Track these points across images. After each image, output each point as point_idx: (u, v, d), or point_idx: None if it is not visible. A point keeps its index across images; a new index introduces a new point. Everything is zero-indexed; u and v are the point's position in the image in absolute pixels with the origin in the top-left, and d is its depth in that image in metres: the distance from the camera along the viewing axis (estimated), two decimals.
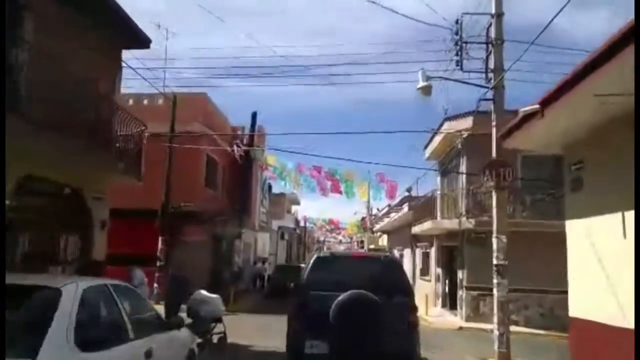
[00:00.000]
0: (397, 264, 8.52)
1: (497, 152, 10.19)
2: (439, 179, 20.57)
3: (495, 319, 9.72)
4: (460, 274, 16.50)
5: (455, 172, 16.72)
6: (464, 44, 9.78)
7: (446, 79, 10.03)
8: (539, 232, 14.68)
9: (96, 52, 9.71)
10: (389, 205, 37.88)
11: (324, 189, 19.75)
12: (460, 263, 16.47)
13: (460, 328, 14.99)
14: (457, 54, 9.81)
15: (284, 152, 19.29)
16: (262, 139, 21.68)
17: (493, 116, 9.96)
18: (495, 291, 9.76)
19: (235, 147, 18.09)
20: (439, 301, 19.77)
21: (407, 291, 7.48)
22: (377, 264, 8.01)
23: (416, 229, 19.77)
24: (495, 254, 9.77)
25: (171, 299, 10.54)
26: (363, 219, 47.64)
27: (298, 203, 54.80)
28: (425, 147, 20.74)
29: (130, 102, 18.79)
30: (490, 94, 10.33)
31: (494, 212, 9.96)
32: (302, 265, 31.51)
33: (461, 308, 16.29)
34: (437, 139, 17.84)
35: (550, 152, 8.77)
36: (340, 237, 70.08)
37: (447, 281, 19.16)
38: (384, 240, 41.30)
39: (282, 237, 42.78)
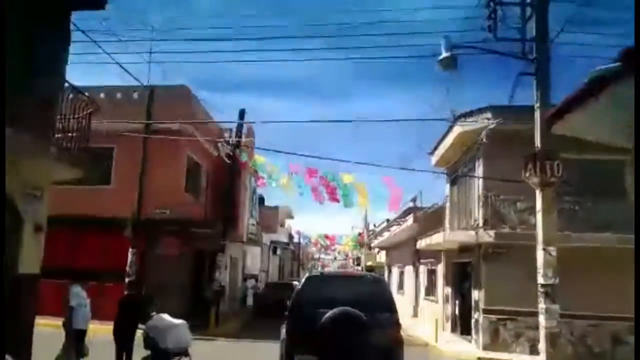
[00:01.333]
0: (382, 283, 9.28)
1: (533, 145, 8.09)
2: (448, 187, 18.46)
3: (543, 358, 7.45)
4: (475, 295, 14.31)
5: (470, 176, 14.62)
6: (498, 4, 7.76)
7: (476, 47, 7.97)
8: (573, 247, 12.55)
9: (32, 13, 7.62)
10: (388, 220, 35.74)
11: (319, 195, 17.60)
12: (476, 282, 14.29)
13: (479, 359, 12.75)
14: (489, 17, 7.78)
15: (274, 154, 17.27)
16: (251, 142, 19.56)
17: (536, 96, 7.88)
18: (541, 320, 7.54)
19: (220, 145, 15.91)
20: (448, 324, 17.51)
21: (391, 308, 7.89)
22: (363, 283, 8.87)
23: (422, 244, 17.62)
24: (541, 271, 7.60)
25: (119, 325, 8.29)
26: (360, 234, 45.41)
27: (292, 217, 52.56)
28: (433, 152, 18.68)
29: (102, 95, 16.72)
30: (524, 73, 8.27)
31: (538, 217, 7.81)
32: (295, 282, 29.27)
33: (477, 334, 14.05)
34: (448, 141, 15.78)
35: (616, 142, 6.62)
36: (335, 254, 67.60)
37: (457, 302, 16.94)
38: (382, 257, 39.03)
39: (275, 252, 40.42)
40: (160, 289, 15.56)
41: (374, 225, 44.42)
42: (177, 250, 15.97)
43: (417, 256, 23.34)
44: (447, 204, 17.60)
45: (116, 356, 8.28)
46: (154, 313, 8.76)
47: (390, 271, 34.24)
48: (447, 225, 17.12)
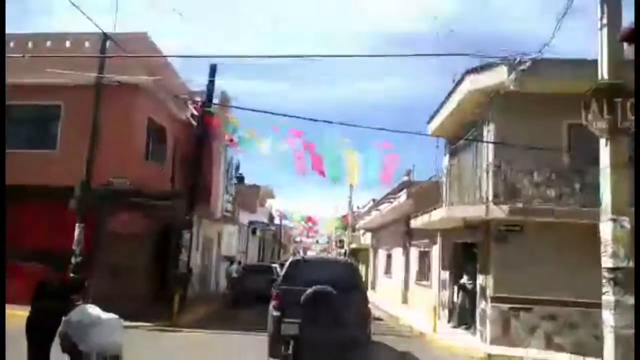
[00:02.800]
0: (352, 266, 10.90)
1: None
2: (446, 159, 16.41)
3: None
4: (481, 280, 12.36)
5: (481, 141, 12.53)
6: None
7: None
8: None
9: None
10: (374, 200, 33.79)
11: (302, 165, 15.39)
12: (483, 265, 12.32)
13: (489, 356, 10.81)
14: None
15: (254, 121, 14.90)
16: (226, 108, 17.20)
17: (600, 8, 5.73)
18: (607, 317, 5.44)
19: (187, 105, 13.53)
20: (444, 313, 15.61)
21: (360, 287, 9.80)
22: (337, 266, 11.37)
23: (418, 222, 15.61)
24: (607, 250, 5.47)
25: (34, 317, 6.08)
26: (344, 216, 43.43)
27: (273, 197, 50.28)
28: (431, 119, 16.58)
29: (48, 43, 14.25)
30: None
31: (604, 175, 5.67)
32: (275, 265, 27.16)
33: (483, 325, 12.13)
34: (452, 103, 13.66)
35: None
36: (317, 238, 65.67)
37: (456, 288, 15.02)
38: (367, 240, 37.15)
39: (254, 233, 38.22)
40: (114, 271, 13.34)
41: (357, 208, 42.46)
42: (136, 226, 13.70)
43: (408, 237, 21.39)
44: (446, 178, 15.54)
45: (28, 358, 6.12)
46: (80, 302, 6.58)
47: (376, 254, 32.39)
48: (445, 201, 15.09)
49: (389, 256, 27.17)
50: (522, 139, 11.56)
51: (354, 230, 41.65)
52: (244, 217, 34.50)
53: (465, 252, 14.96)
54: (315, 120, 12.42)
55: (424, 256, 19.23)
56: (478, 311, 12.59)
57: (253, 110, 11.99)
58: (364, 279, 30.52)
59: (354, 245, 38.78)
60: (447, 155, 16.42)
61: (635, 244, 5.42)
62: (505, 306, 11.64)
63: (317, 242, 77.77)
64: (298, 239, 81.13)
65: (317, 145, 13.88)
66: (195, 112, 15.50)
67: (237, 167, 45.39)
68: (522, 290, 11.54)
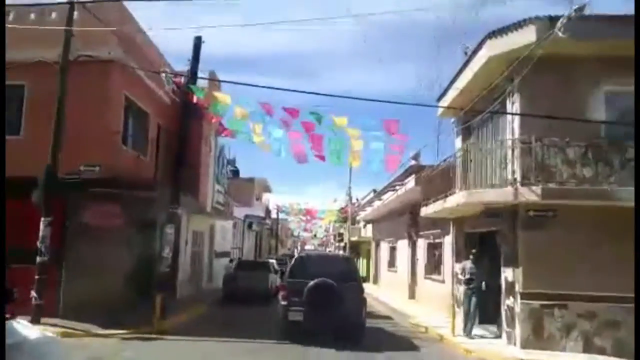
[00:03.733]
0: (350, 261, 13.42)
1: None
2: (458, 140, 14.84)
3: None
4: (508, 274, 10.80)
5: (505, 113, 10.92)
6: None
7: None
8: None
9: None
10: (374, 191, 32.22)
11: (300, 151, 13.75)
12: (509, 257, 10.76)
13: None
14: None
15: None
16: (215, 87, 15.54)
17: None
18: None
19: (167, 81, 11.83)
20: (460, 311, 14.07)
21: (356, 279, 11.27)
22: (336, 261, 13.65)
23: (429, 210, 14.01)
24: None
25: None
26: (343, 208, 41.86)
27: (269, 190, 48.72)
28: (442, 96, 14.99)
29: (10, 16, 12.58)
30: None
31: None
32: (272, 261, 25.59)
33: (511, 326, 10.58)
34: (468, 73, 12.06)
35: None
36: (315, 230, 64.02)
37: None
38: (367, 232, 35.64)
39: (250, 228, 36.65)
40: (87, 272, 11.74)
41: (357, 200, 40.89)
42: (112, 220, 12.07)
43: (415, 228, 19.87)
44: (458, 161, 13.93)
45: None
46: (8, 316, 5.00)
47: (378, 247, 30.90)
48: (461, 185, 13.52)
49: (392, 249, 25.66)
50: (552, 110, 10.01)
51: (353, 222, 40.14)
52: (240, 212, 32.92)
53: (483, 242, 13.43)
54: (317, 94, 10.83)
55: (434, 248, 17.70)
56: (503, 309, 11.04)
57: (244, 84, 10.31)
58: (364, 273, 29.46)
59: (354, 238, 37.28)
60: (460, 137, 14.84)
61: (635, 243, 5.69)
62: (537, 303, 10.09)
63: (315, 236, 76.15)
64: (296, 233, 79.61)
65: (316, 125, 12.09)
66: (177, 87, 13.81)
67: (233, 162, 44.26)
68: (555, 285, 10.00)
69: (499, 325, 11.55)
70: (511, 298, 10.63)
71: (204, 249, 21.55)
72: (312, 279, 10.42)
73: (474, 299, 11.81)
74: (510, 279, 10.65)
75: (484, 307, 13.09)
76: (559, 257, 10.01)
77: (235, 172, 43.41)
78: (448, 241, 15.67)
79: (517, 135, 10.53)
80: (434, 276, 17.38)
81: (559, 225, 10.10)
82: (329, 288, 10.22)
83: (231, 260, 26.06)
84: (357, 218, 37.37)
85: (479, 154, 11.40)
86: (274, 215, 50.71)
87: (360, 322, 10.62)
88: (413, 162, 16.24)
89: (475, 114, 12.85)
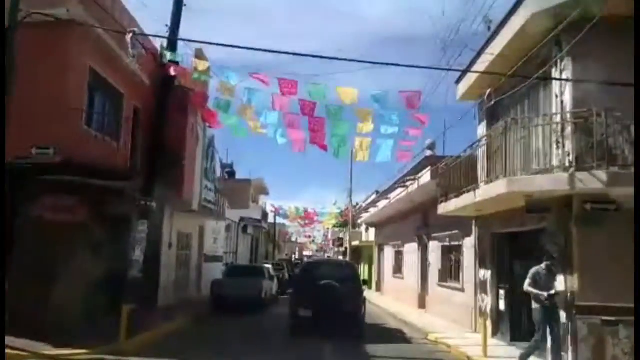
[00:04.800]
0: (352, 266, 15.43)
1: None
2: (481, 126, 12.82)
3: None
4: (558, 283, 8.69)
5: (549, 79, 8.84)
6: None
7: None
8: None
9: None
10: (377, 192, 30.13)
11: (298, 137, 11.72)
12: (561, 261, 8.67)
13: None
14: None
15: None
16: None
17: None
18: None
19: (128, 38, 9.70)
20: (487, 324, 11.97)
21: (357, 282, 12.99)
22: (340, 267, 15.36)
23: (450, 206, 11.93)
24: None
25: None
26: (343, 210, 39.78)
27: (267, 192, 46.60)
28: (462, 76, 13.00)
29: None
30: None
31: None
32: (268, 266, 23.47)
33: (562, 347, 8.48)
34: (502, 40, 10.00)
35: None
36: (314, 235, 61.85)
37: (505, 292, 11.41)
38: (369, 236, 33.53)
39: (245, 231, 34.50)
40: (40, 275, 9.63)
41: (356, 205, 38.79)
42: (71, 215, 9.99)
43: (426, 229, 17.79)
44: (481, 151, 11.88)
45: None
46: None
47: (381, 251, 28.79)
48: (483, 178, 11.48)
49: (398, 253, 23.56)
50: (614, 77, 8.01)
51: (354, 226, 38.04)
52: (234, 214, 30.85)
53: (515, 244, 11.39)
54: (320, 57, 8.82)
55: (450, 252, 15.61)
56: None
57: (229, 45, 8.24)
58: (366, 279, 28.59)
59: (355, 243, 35.16)
60: (483, 122, 12.81)
61: (635, 242, 5.78)
62: (597, 319, 8.02)
63: (313, 241, 73.85)
64: (294, 239, 77.27)
65: (317, 94, 9.96)
66: (152, 56, 11.72)
67: (231, 165, 42.20)
68: (620, 296, 7.93)
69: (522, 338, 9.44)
70: (562, 313, 8.55)
71: (192, 252, 19.43)
72: (318, 281, 12.20)
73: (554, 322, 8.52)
74: (560, 288, 8.57)
75: (518, 323, 11.05)
76: (624, 262, 7.92)
77: (231, 174, 41.44)
78: (469, 244, 13.61)
79: (569, 107, 8.49)
80: (451, 283, 15.28)
81: (623, 221, 8.03)
82: (334, 289, 11.81)
83: (226, 265, 24.02)
84: (359, 221, 35.25)
85: (518, 133, 9.32)
86: (271, 220, 48.55)
87: (359, 319, 12.06)
88: (428, 153, 14.21)
89: (505, 93, 10.78)
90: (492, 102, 9.79)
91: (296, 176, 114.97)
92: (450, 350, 10.65)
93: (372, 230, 32.28)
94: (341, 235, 52.12)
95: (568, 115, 8.43)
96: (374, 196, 30.19)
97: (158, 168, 11.46)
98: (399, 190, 17.49)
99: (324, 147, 12.97)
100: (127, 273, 10.14)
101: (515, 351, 10.25)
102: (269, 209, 45.43)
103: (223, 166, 40.15)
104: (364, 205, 34.70)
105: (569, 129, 8.38)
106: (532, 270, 8.65)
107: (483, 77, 11.40)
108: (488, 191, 9.33)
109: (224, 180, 35.19)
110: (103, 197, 10.46)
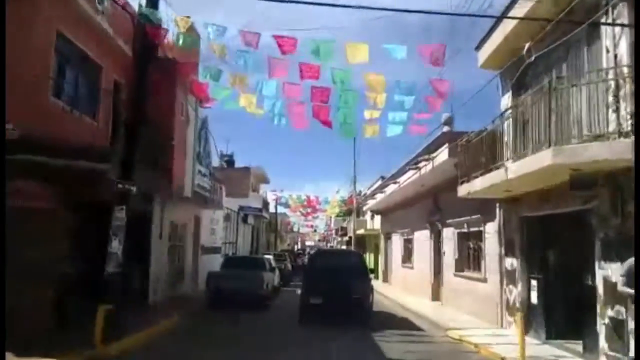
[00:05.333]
0: (359, 255, 15.71)
1: None
2: (506, 97, 11.37)
3: None
4: (611, 271, 7.29)
5: (606, 24, 7.36)
6: None
7: None
8: None
9: None
10: (382, 178, 28.72)
11: (299, 110, 10.31)
12: (614, 246, 7.25)
13: None
14: None
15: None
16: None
17: None
18: None
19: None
20: (516, 319, 10.63)
21: (364, 271, 13.40)
22: (347, 255, 16.42)
23: (475, 186, 10.47)
24: None
25: None
26: (347, 198, 38.38)
27: (267, 181, 45.18)
28: (480, 44, 11.54)
29: None
30: None
31: None
32: (269, 256, 22.13)
33: (615, 348, 7.11)
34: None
35: None
36: (316, 225, 60.46)
37: (535, 284, 10.02)
38: (375, 224, 32.18)
39: (245, 221, 33.15)
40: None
41: (360, 192, 37.34)
42: (36, 200, 8.58)
43: (440, 215, 16.40)
44: (506, 124, 10.43)
45: None
46: None
47: (388, 240, 27.44)
48: (508, 155, 10.05)
49: (407, 241, 22.20)
50: None
51: (358, 214, 36.66)
52: (233, 203, 29.48)
53: (550, 229, 9.99)
54: (321, 4, 7.34)
55: (468, 238, 14.22)
56: (601, 322, 7.56)
57: None
58: (373, 269, 27.93)
59: (360, 231, 33.82)
60: (509, 93, 11.37)
61: (635, 242, 5.72)
62: None
63: (315, 230, 72.44)
64: (296, 229, 75.85)
65: (317, 50, 8.42)
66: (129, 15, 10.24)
67: (229, 155, 40.65)
68: None
69: (587, 344, 8.08)
70: (617, 306, 7.16)
71: (187, 243, 18.07)
72: (328, 270, 12.83)
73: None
74: (613, 278, 7.17)
75: (553, 318, 9.70)
76: None
77: (230, 162, 40.01)
78: (492, 229, 12.22)
79: (626, 60, 7.03)
80: (470, 273, 13.91)
81: None
82: (342, 278, 12.20)
83: (226, 256, 22.73)
84: (364, 209, 33.87)
85: (528, 116, 7.88)
86: (272, 210, 47.19)
87: (367, 306, 12.33)
88: (445, 129, 12.76)
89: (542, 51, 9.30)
90: (533, 58, 8.26)
91: (298, 168, 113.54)
92: (479, 349, 9.28)
93: (377, 218, 30.93)
94: (344, 225, 50.78)
95: (625, 70, 6.97)
96: (379, 182, 28.79)
97: (142, 149, 10.06)
98: (410, 172, 16.05)
99: (328, 124, 11.60)
100: (106, 267, 8.73)
101: (554, 351, 8.91)
102: (269, 197, 44.08)
103: (222, 155, 38.89)
104: (369, 192, 33.29)
105: (626, 87, 6.93)
106: (629, 263, 6.50)
107: (511, 39, 9.97)
108: (526, 165, 7.87)
109: (222, 169, 33.89)
110: (76, 181, 9.04)
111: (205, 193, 16.85)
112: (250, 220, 35.14)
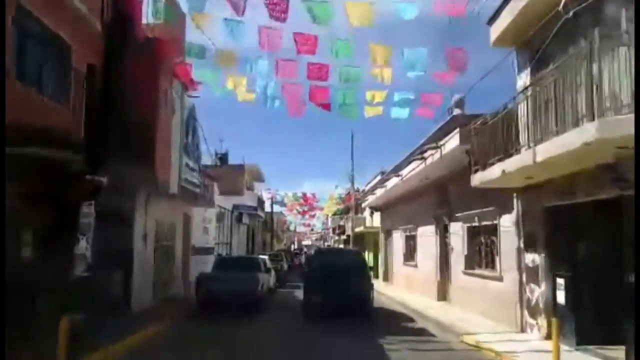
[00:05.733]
0: (358, 254, 16.27)
1: None
2: (523, 75, 10.25)
3: None
4: None
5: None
6: None
7: None
8: None
9: None
10: (382, 173, 27.62)
11: (293, 91, 9.19)
12: None
13: None
14: None
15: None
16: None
17: None
18: None
19: None
20: (541, 322, 9.52)
21: (363, 269, 13.82)
22: (347, 254, 16.93)
23: (494, 172, 9.33)
24: None
25: None
26: (345, 195, 37.26)
27: (262, 179, 43.93)
28: (495, 16, 10.41)
29: None
30: None
31: None
32: (264, 257, 20.96)
33: None
34: None
35: None
36: (313, 223, 59.25)
37: (563, 282, 8.91)
38: (374, 221, 31.04)
39: (240, 220, 31.96)
40: None
41: (357, 189, 36.19)
42: None
43: (446, 209, 15.29)
44: (523, 105, 9.31)
45: None
46: None
47: (388, 237, 26.33)
48: (524, 139, 8.94)
49: (410, 238, 21.08)
50: None
51: (357, 211, 35.54)
52: (227, 201, 28.31)
53: (578, 220, 8.87)
54: None
55: (479, 233, 13.10)
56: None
57: None
58: (372, 269, 26.97)
59: (360, 229, 32.67)
60: (526, 70, 10.25)
61: (635, 241, 5.50)
62: None
63: (312, 229, 71.16)
64: (292, 228, 74.58)
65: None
66: None
67: (223, 154, 39.22)
68: None
69: (629, 351, 6.96)
70: None
71: (177, 244, 16.89)
72: (328, 268, 13.07)
73: None
74: None
75: (584, 321, 8.59)
76: None
77: (223, 159, 38.73)
78: (508, 222, 11.10)
79: None
80: (482, 271, 12.79)
81: None
82: (342, 275, 12.50)
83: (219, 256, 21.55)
84: (363, 205, 32.76)
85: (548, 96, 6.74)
86: (268, 209, 45.98)
87: (368, 302, 12.80)
88: (457, 112, 11.63)
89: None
90: (571, 13, 7.14)
91: (295, 168, 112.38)
92: (502, 359, 8.16)
93: (377, 215, 29.80)
94: (342, 223, 49.64)
95: None
96: (379, 177, 27.67)
97: (120, 139, 8.92)
98: (415, 163, 14.92)
99: (326, 106, 10.49)
100: (68, 272, 7.55)
101: (585, 356, 7.80)
102: (265, 196, 42.88)
103: (216, 154, 37.58)
104: (368, 188, 32.17)
105: None
106: None
107: (529, 12, 8.88)
108: (559, 145, 6.73)
109: (215, 167, 32.65)
110: (38, 173, 7.85)
111: (194, 189, 15.67)
112: (245, 219, 33.98)
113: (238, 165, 36.96)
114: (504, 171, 8.50)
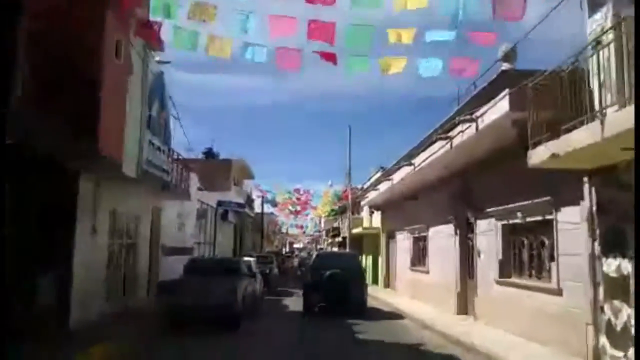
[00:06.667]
0: (355, 257, 17.84)
1: None
2: (598, 16, 7.44)
3: None
4: None
5: None
6: None
7: None
8: None
9: None
10: (382, 168, 24.81)
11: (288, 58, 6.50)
12: None
13: None
14: None
15: None
16: None
17: None
18: None
19: None
20: (629, 355, 6.68)
21: (359, 271, 15.52)
22: (345, 257, 17.94)
23: (571, 143, 6.52)
24: None
25: None
26: (342, 192, 34.33)
27: (252, 176, 40.87)
28: None
29: None
30: None
31: None
32: (247, 259, 17.91)
33: None
34: None
35: None
36: (307, 223, 56.10)
37: None
38: (374, 221, 28.18)
39: (225, 219, 28.95)
40: None
41: (355, 187, 33.32)
42: None
43: (470, 204, 12.47)
44: (596, 59, 6.51)
45: None
46: None
47: (391, 239, 23.54)
48: (600, 101, 6.14)
49: (419, 240, 18.23)
50: None
51: (354, 211, 32.62)
52: (211, 197, 25.37)
53: None
54: None
55: (521, 232, 10.23)
56: None
57: None
58: (371, 274, 26.52)
59: (357, 230, 29.76)
60: (604, 7, 7.45)
61: (635, 241, 5.68)
62: None
63: (304, 232, 67.95)
64: (284, 229, 71.34)
65: None
66: None
67: (209, 148, 36.16)
68: None
69: None
70: None
71: (141, 241, 13.91)
72: (327, 270, 14.24)
73: None
74: None
75: None
76: None
77: (209, 153, 35.70)
78: (571, 216, 8.26)
79: None
80: (527, 281, 9.92)
81: None
82: (339, 276, 13.94)
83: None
84: (362, 203, 29.90)
85: None
86: (258, 209, 42.92)
87: (363, 300, 14.52)
88: (505, 67, 8.78)
89: None
90: None
91: (288, 169, 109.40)
92: None
93: (377, 215, 26.94)
94: (336, 224, 46.63)
95: None
96: (379, 174, 24.84)
97: (49, 99, 6.06)
98: (435, 146, 12.04)
99: (331, 57, 7.77)
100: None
101: None
102: (254, 193, 39.89)
103: (205, 151, 34.64)
104: (367, 185, 29.32)
105: None
106: None
107: None
108: None
109: (199, 161, 29.77)
110: None
111: (162, 174, 12.72)
112: (232, 217, 30.97)
113: (225, 159, 34.06)
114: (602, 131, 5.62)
